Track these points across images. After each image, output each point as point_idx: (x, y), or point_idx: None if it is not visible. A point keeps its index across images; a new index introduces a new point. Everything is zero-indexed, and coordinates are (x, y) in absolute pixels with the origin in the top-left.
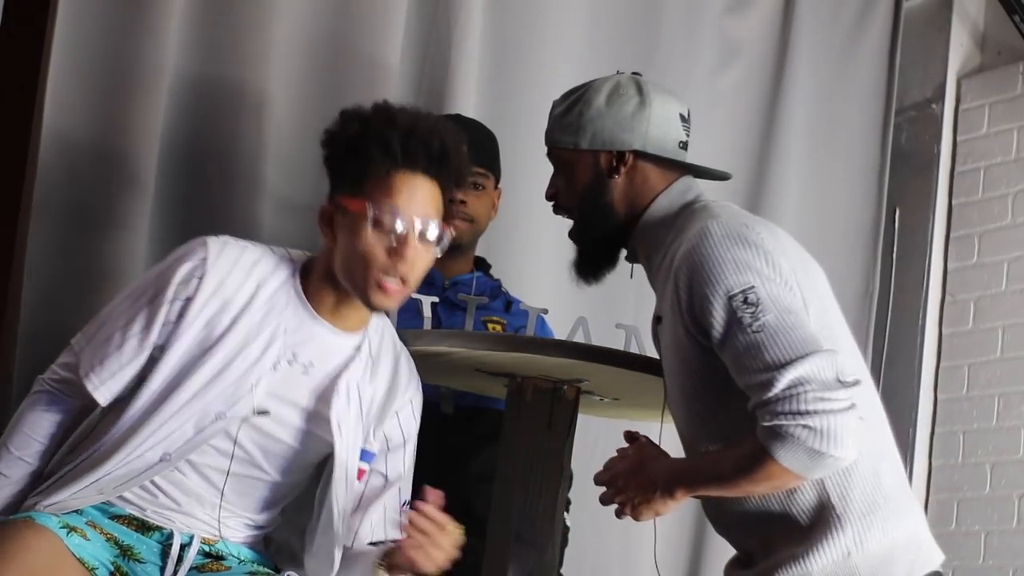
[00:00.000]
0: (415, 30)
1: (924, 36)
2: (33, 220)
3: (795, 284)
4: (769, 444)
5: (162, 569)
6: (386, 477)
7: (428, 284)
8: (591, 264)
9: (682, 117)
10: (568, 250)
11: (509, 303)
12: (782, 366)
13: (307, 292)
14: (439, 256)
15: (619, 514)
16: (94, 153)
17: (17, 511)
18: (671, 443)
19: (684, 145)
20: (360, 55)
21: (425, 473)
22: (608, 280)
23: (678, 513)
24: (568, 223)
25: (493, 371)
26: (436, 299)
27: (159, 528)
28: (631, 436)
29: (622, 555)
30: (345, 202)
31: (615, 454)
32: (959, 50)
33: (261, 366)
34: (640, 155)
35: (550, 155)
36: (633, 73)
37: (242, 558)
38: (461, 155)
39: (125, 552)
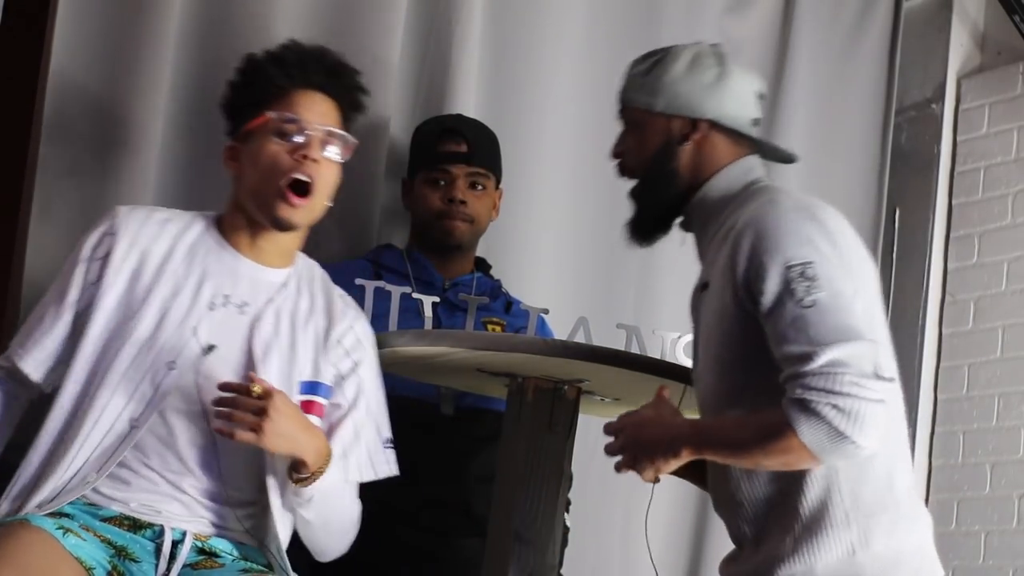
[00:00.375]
0: (415, 28)
1: (924, 36)
2: (33, 220)
3: (851, 271)
4: (794, 416)
5: (157, 567)
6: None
7: (428, 284)
8: (647, 227)
9: (758, 95)
10: (568, 251)
11: (509, 304)
12: (824, 344)
13: (224, 236)
14: (341, 161)
15: (619, 467)
16: (95, 154)
17: None
18: None
19: (756, 123)
20: (360, 54)
21: (426, 474)
22: (609, 280)
23: (679, 513)
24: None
25: (494, 371)
26: (436, 299)
27: (150, 525)
28: (660, 393)
29: (622, 555)
30: (248, 126)
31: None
32: (959, 50)
33: (197, 309)
34: (713, 125)
35: (622, 113)
36: (712, 44)
37: (236, 555)
38: (356, 77)
39: (120, 552)
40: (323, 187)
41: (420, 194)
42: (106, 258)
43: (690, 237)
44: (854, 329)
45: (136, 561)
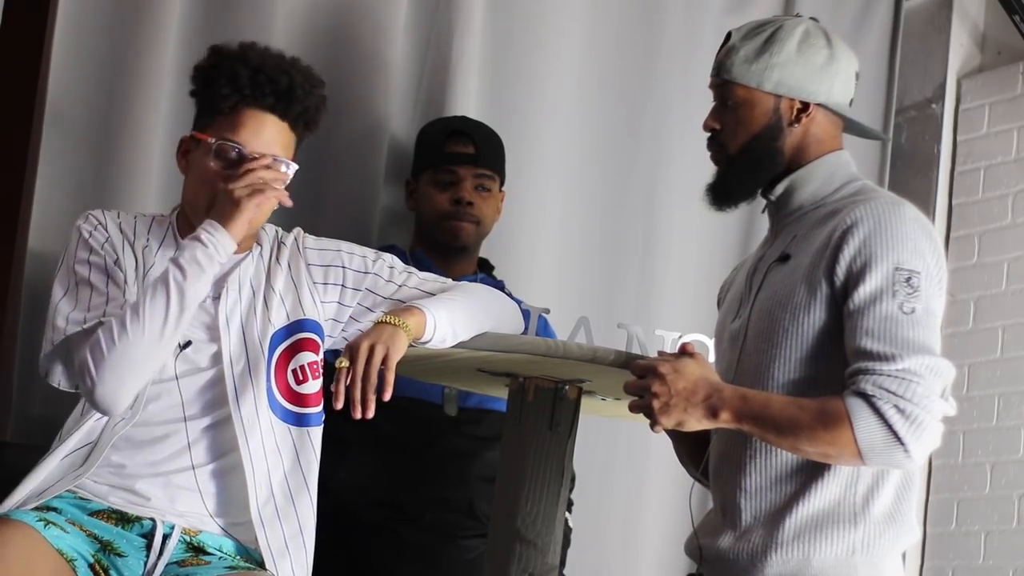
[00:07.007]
0: (415, 28)
1: (924, 36)
2: (34, 218)
3: (941, 296)
4: (855, 410)
5: (146, 562)
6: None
7: None
8: (736, 197)
9: (857, 75)
10: (569, 251)
11: None
12: (908, 352)
13: (184, 235)
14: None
15: (635, 407)
16: (95, 155)
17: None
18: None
19: (851, 103)
20: (360, 55)
21: (429, 474)
22: (609, 280)
23: (679, 513)
24: None
25: (495, 371)
26: None
27: (138, 519)
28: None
29: (622, 555)
30: (197, 135)
31: (615, 455)
32: (959, 50)
33: None
34: (821, 108)
35: (722, 87)
36: (814, 19)
37: (224, 552)
38: (312, 96)
39: (105, 547)
40: None
41: (426, 195)
42: (109, 241)
43: (759, 203)
44: (936, 347)
45: (122, 556)
